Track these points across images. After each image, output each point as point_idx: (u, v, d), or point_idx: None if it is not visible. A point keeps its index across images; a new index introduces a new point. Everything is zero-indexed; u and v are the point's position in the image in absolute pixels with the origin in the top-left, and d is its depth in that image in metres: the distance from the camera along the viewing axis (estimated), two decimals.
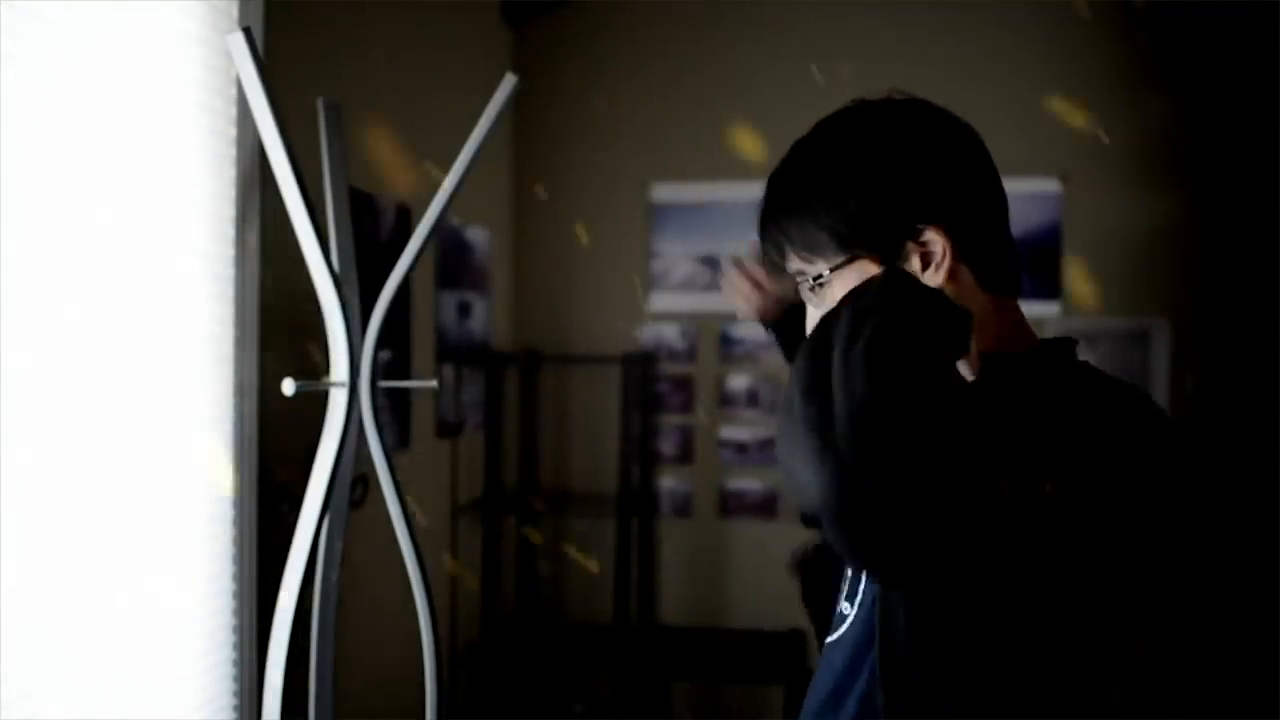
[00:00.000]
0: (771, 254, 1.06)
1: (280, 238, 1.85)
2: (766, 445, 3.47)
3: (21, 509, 1.39)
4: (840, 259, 1.00)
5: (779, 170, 1.05)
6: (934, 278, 0.98)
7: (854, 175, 0.99)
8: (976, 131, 1.04)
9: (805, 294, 1.05)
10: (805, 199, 1.01)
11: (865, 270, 0.99)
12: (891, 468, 0.80)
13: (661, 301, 3.52)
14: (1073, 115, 3.22)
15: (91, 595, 1.53)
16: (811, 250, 1.01)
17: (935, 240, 0.98)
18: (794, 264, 1.04)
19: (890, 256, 0.99)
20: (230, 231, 1.85)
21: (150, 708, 1.65)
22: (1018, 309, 1.05)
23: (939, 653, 0.94)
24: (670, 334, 3.52)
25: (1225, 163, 3.21)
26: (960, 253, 0.98)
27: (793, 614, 1.68)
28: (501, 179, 3.50)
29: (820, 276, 1.01)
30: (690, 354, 3.52)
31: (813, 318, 1.05)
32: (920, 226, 0.98)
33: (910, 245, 0.98)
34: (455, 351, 3.08)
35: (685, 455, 3.53)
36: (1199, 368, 3.23)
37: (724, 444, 3.50)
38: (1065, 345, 1.03)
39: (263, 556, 1.92)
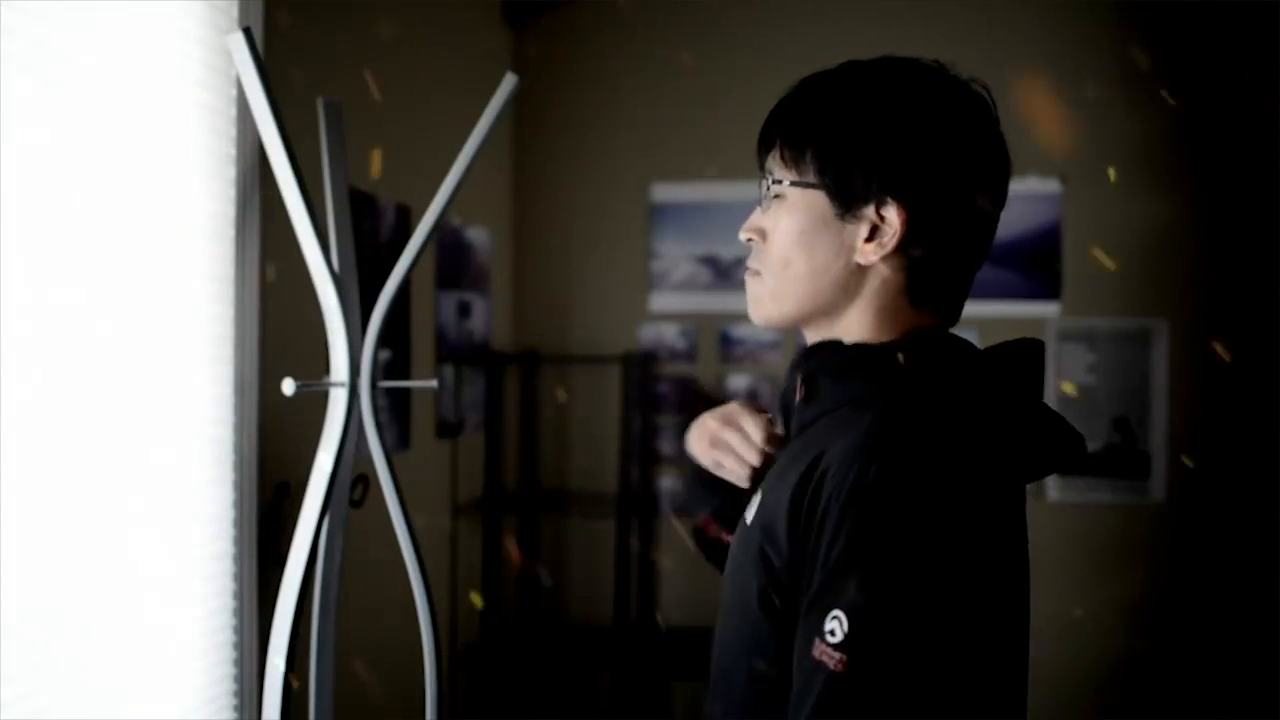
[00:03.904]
0: (763, 142, 1.06)
1: (280, 238, 1.85)
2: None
3: (21, 509, 1.39)
4: (805, 180, 1.01)
5: (814, 77, 1.04)
6: (873, 250, 0.99)
7: (866, 119, 0.99)
8: (1009, 167, 1.02)
9: (762, 194, 1.06)
10: (814, 113, 1.02)
11: (816, 205, 1.00)
12: None
13: (661, 301, 3.52)
14: (1073, 115, 3.22)
15: (91, 595, 1.53)
16: (792, 158, 1.02)
17: (893, 219, 0.98)
18: (771, 161, 1.05)
19: (845, 208, 0.99)
20: (230, 231, 1.85)
21: (150, 708, 1.65)
22: (933, 332, 1.03)
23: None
24: (670, 334, 3.52)
25: (1225, 163, 3.21)
26: (907, 245, 0.98)
27: None
28: (501, 179, 3.50)
29: (781, 182, 1.03)
30: (690, 354, 3.52)
31: (753, 219, 1.07)
32: (887, 198, 0.98)
33: (870, 210, 0.99)
34: (455, 351, 3.09)
35: (685, 455, 3.52)
36: (1199, 368, 3.23)
37: None
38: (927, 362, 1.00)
39: (263, 556, 1.91)
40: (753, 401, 1.21)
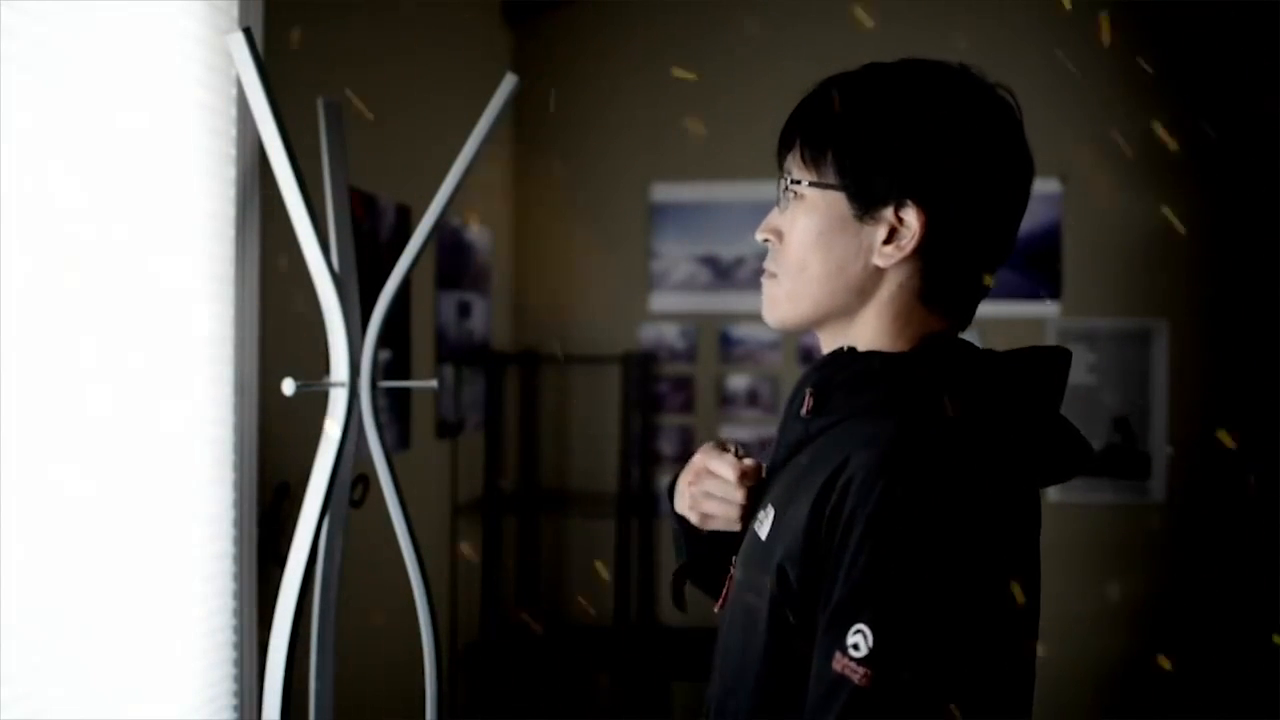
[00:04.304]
0: (783, 142, 1.06)
1: (280, 238, 1.85)
2: (766, 445, 3.47)
3: (21, 509, 1.39)
4: (825, 181, 1.01)
5: (836, 78, 1.04)
6: (891, 253, 0.99)
7: (889, 121, 0.98)
8: (1031, 173, 1.02)
9: (780, 194, 1.06)
10: (836, 114, 1.01)
11: (834, 207, 1.00)
12: None
13: (661, 301, 3.52)
14: (1073, 115, 3.22)
15: (91, 595, 1.53)
16: (812, 158, 1.02)
17: (912, 222, 0.97)
18: (790, 162, 1.04)
19: (864, 210, 0.99)
20: (230, 231, 1.85)
21: (150, 708, 1.65)
22: (948, 339, 1.03)
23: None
24: (670, 334, 3.52)
25: (1226, 163, 3.21)
26: (924, 248, 0.98)
27: None
28: (502, 179, 3.50)
29: (800, 183, 1.02)
30: (690, 354, 3.52)
31: (770, 219, 1.06)
32: (907, 201, 0.97)
33: (888, 212, 0.98)
34: (455, 351, 3.09)
35: (685, 455, 3.52)
36: (1199, 368, 3.23)
37: None
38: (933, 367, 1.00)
39: (263, 557, 1.92)
40: (720, 441, 1.20)
